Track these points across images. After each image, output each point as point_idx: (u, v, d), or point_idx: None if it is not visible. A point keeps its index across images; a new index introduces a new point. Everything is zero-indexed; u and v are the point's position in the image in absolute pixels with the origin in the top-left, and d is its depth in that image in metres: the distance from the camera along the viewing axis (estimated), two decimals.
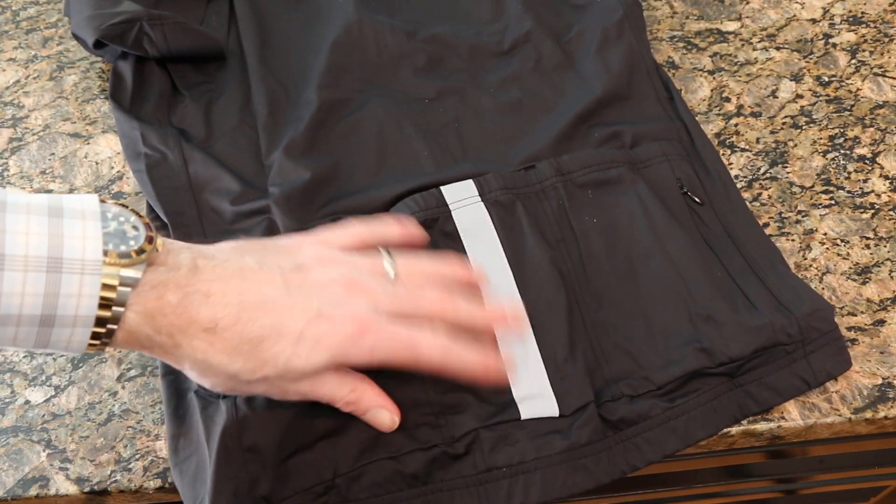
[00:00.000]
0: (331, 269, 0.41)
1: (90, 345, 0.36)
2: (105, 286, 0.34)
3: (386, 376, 0.43)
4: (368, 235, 0.45)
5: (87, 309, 0.34)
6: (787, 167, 0.56)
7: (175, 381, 0.45)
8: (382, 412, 0.42)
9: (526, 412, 0.43)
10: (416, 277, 0.43)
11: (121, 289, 0.35)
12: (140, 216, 0.37)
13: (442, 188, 0.50)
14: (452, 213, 0.49)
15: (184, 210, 0.51)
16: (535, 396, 0.44)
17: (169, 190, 0.52)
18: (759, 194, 0.55)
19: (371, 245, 0.44)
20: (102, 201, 0.37)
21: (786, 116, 0.59)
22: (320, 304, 0.39)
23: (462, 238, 0.49)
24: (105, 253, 0.35)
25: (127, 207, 0.37)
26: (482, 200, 0.50)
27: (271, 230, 0.50)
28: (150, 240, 0.36)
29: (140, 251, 0.35)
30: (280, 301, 0.38)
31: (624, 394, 0.44)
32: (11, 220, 0.34)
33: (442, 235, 0.49)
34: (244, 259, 0.39)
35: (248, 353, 0.38)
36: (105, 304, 0.35)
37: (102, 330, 0.35)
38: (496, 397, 0.44)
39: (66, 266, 0.34)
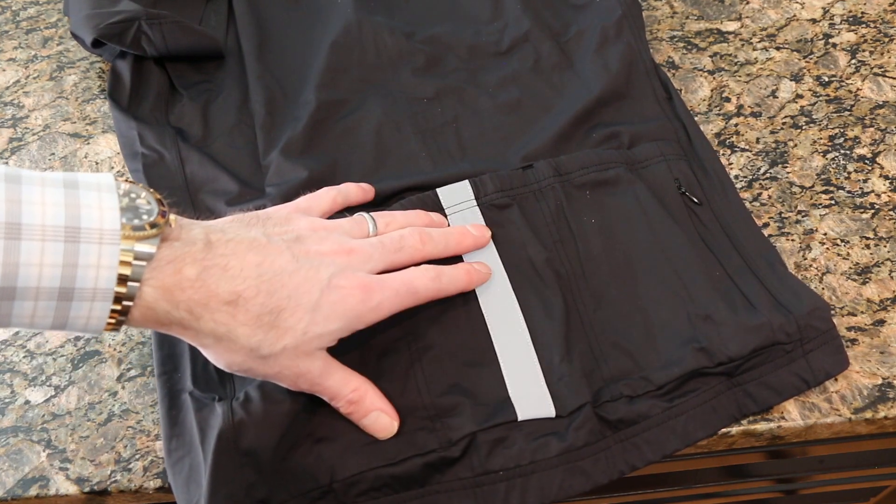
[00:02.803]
0: (326, 237, 0.43)
1: (108, 324, 0.36)
2: (121, 261, 0.34)
3: (381, 380, 0.43)
4: (339, 197, 0.48)
5: (106, 281, 0.34)
6: (787, 167, 0.56)
7: (169, 381, 0.45)
8: (382, 416, 0.42)
9: (522, 413, 0.43)
10: (392, 227, 0.46)
11: (136, 263, 0.35)
12: (152, 192, 0.37)
13: (438, 191, 0.50)
14: (448, 217, 0.49)
15: (180, 210, 0.51)
16: (532, 397, 0.44)
17: (166, 190, 0.52)
18: (759, 194, 0.55)
19: (342, 206, 0.49)
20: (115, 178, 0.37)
21: (786, 116, 0.59)
22: (329, 273, 0.41)
23: None
24: (120, 225, 0.34)
25: (138, 185, 0.37)
26: (478, 205, 0.50)
27: None
28: (163, 214, 0.36)
29: (153, 225, 0.35)
30: (294, 273, 0.40)
31: (623, 394, 0.44)
32: (27, 191, 0.33)
33: None
34: (251, 232, 0.40)
35: (268, 325, 0.38)
36: (121, 279, 0.34)
37: (119, 307, 0.35)
38: (492, 398, 0.44)
39: (83, 235, 0.33)
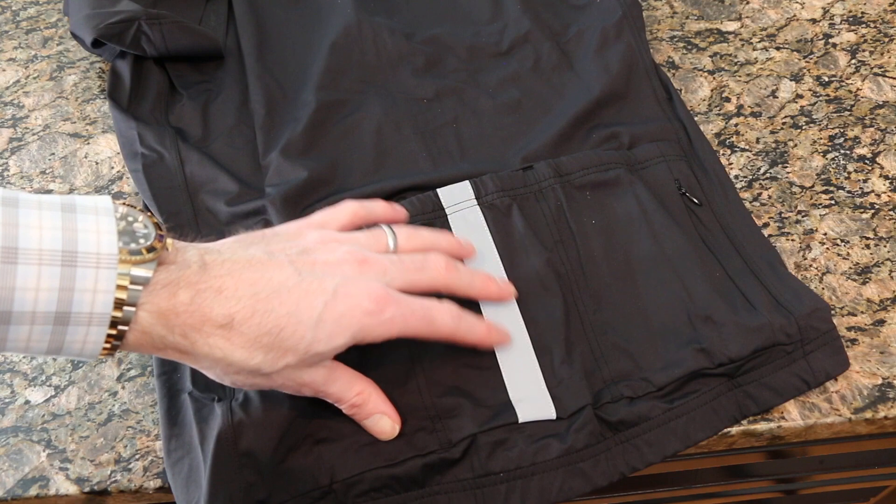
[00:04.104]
0: (337, 248, 0.41)
1: (103, 349, 0.35)
2: (117, 285, 0.34)
3: (382, 381, 0.43)
4: (362, 211, 0.45)
5: (102, 305, 0.34)
6: (787, 167, 0.56)
7: (168, 382, 0.45)
8: (384, 419, 0.42)
9: (523, 415, 0.43)
10: (414, 242, 0.44)
11: (132, 287, 0.34)
12: (150, 216, 0.36)
13: (438, 191, 0.50)
14: (448, 217, 0.49)
15: (179, 210, 0.51)
16: (532, 399, 0.44)
17: (165, 190, 0.52)
18: (759, 194, 0.55)
19: (365, 221, 0.45)
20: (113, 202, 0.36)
21: (786, 116, 0.59)
22: (335, 283, 0.39)
23: None
24: (118, 249, 0.34)
25: (136, 208, 0.36)
26: (478, 204, 0.50)
27: None
28: (160, 238, 0.36)
29: (150, 249, 0.35)
30: (294, 287, 0.38)
31: (624, 395, 0.44)
32: (24, 214, 0.33)
33: None
34: (250, 250, 0.39)
35: (268, 346, 0.37)
36: (117, 303, 0.34)
37: (114, 331, 0.35)
38: (493, 400, 0.44)
39: (80, 260, 0.33)
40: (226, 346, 0.37)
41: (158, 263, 0.35)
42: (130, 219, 0.36)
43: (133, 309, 0.34)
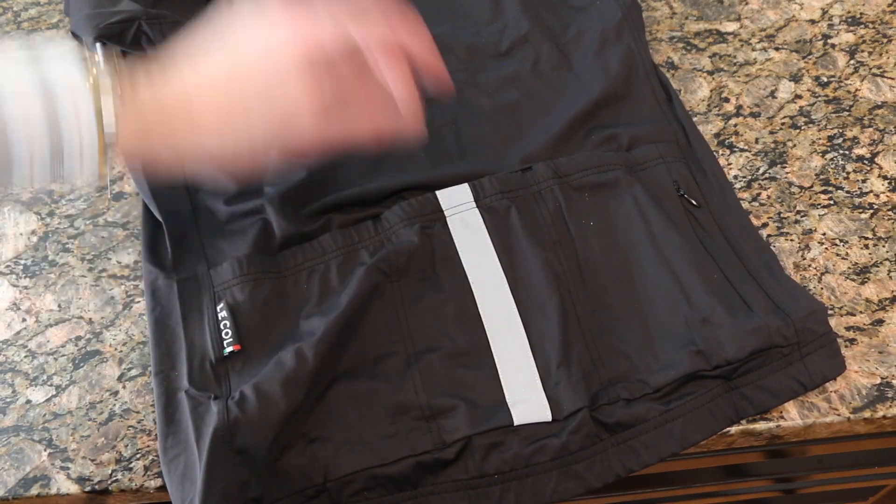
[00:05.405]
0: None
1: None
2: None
3: (378, 379, 0.43)
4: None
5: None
6: (785, 167, 0.56)
7: (166, 380, 0.45)
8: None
9: (518, 417, 0.43)
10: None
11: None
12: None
13: (437, 193, 0.50)
14: (447, 219, 0.49)
15: (179, 209, 0.51)
16: (528, 401, 0.44)
17: (165, 189, 0.52)
18: (758, 194, 0.55)
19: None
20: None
21: (785, 117, 0.59)
22: None
23: (456, 244, 0.49)
24: None
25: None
26: (477, 207, 0.50)
27: (266, 230, 0.50)
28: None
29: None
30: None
31: (620, 397, 0.44)
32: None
33: (437, 241, 0.49)
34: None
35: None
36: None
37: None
38: (489, 402, 0.44)
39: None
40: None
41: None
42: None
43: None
